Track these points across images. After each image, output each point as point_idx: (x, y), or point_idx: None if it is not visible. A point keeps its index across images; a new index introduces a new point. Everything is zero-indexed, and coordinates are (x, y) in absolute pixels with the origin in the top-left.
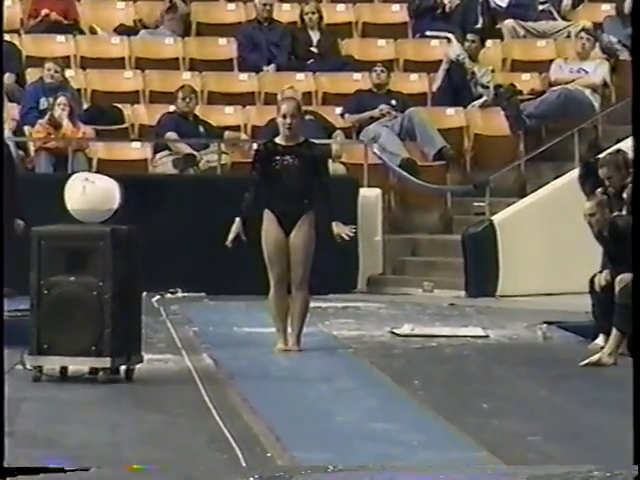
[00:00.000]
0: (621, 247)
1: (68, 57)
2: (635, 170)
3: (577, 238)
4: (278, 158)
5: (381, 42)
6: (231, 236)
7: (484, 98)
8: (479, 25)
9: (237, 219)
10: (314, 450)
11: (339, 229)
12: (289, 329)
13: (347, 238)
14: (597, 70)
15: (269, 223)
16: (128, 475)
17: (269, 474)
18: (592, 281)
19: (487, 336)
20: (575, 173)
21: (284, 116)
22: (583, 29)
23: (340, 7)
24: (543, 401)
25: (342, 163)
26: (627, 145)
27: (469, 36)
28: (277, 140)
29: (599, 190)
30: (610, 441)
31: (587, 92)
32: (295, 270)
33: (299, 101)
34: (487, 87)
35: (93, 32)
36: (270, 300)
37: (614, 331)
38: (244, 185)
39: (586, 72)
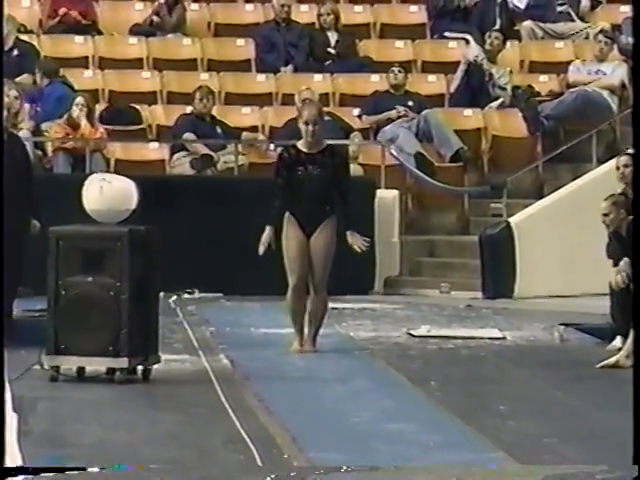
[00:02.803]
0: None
1: (87, 57)
2: (635, 170)
3: (595, 240)
4: (301, 167)
5: (399, 43)
6: (262, 247)
7: (502, 99)
8: (497, 26)
9: (267, 228)
10: (330, 451)
11: (353, 240)
12: (305, 330)
13: (359, 251)
14: (615, 72)
15: (290, 226)
16: (130, 475)
17: (285, 474)
18: (611, 282)
19: (504, 338)
20: (593, 174)
21: (306, 123)
22: (601, 31)
23: (358, 8)
24: (559, 403)
25: (359, 164)
26: None
27: (493, 34)
28: (300, 146)
29: (617, 190)
30: (627, 443)
31: (605, 94)
32: (315, 272)
33: (321, 106)
34: (505, 88)
35: (111, 33)
36: (288, 300)
37: (632, 332)
38: (261, 186)
39: (604, 74)
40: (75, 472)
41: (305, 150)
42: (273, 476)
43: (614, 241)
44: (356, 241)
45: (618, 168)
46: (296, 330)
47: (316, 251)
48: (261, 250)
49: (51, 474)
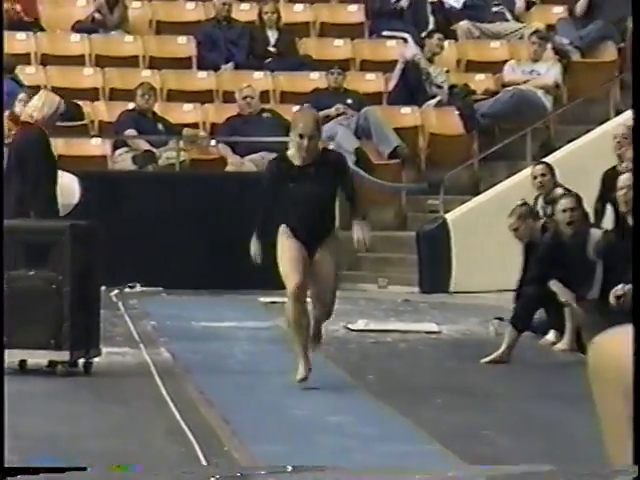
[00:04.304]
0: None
1: (29, 54)
2: (635, 171)
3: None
4: (293, 183)
5: (338, 42)
6: (259, 259)
7: (439, 98)
8: (432, 26)
9: (253, 241)
10: (270, 443)
11: (359, 232)
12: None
13: (358, 246)
14: (549, 71)
15: (287, 237)
16: (130, 475)
17: (229, 471)
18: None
19: (440, 331)
20: (527, 172)
21: (301, 136)
22: (536, 31)
23: (298, 7)
24: (495, 395)
25: None
26: (578, 145)
27: (434, 35)
28: (291, 158)
29: (517, 202)
30: (560, 434)
31: (539, 93)
32: (322, 298)
33: (318, 116)
34: (442, 87)
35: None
36: (288, 310)
37: (509, 328)
38: (202, 181)
39: (539, 73)
40: (75, 472)
41: (298, 163)
42: (218, 476)
43: (531, 254)
44: (361, 234)
45: (535, 177)
46: (300, 352)
47: (321, 274)
48: (259, 260)
49: (51, 474)
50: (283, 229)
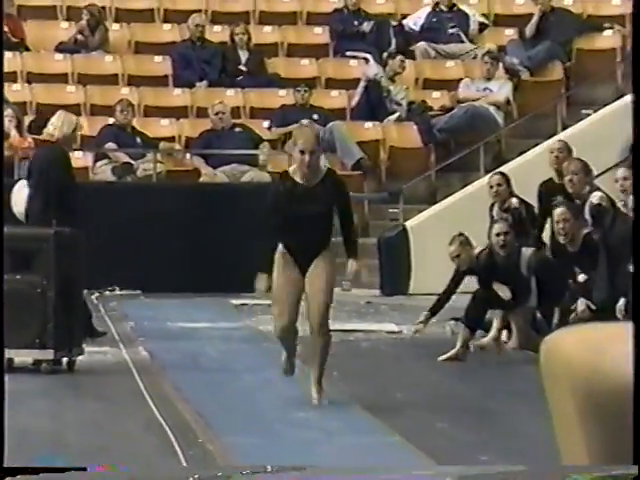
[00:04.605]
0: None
1: (15, 72)
2: (635, 171)
3: (481, 241)
4: (297, 204)
5: (304, 61)
6: (261, 295)
7: (398, 113)
8: (393, 47)
9: (260, 278)
10: (241, 435)
11: (351, 270)
12: (311, 377)
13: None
14: (501, 89)
15: (283, 263)
16: (131, 475)
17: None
18: None
19: (400, 331)
20: (481, 182)
21: (302, 152)
22: (488, 51)
23: (267, 29)
24: (451, 391)
25: (268, 172)
26: (528, 157)
27: (397, 56)
28: (294, 176)
29: (455, 233)
30: (512, 428)
31: (492, 109)
32: (312, 310)
33: (318, 132)
34: (401, 104)
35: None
36: (276, 335)
37: (462, 327)
38: (177, 192)
39: (491, 90)
40: (75, 472)
41: (301, 182)
42: (196, 476)
43: (466, 274)
44: (353, 270)
45: (491, 187)
46: (287, 352)
47: (313, 285)
48: (262, 295)
49: (51, 474)
50: (280, 251)
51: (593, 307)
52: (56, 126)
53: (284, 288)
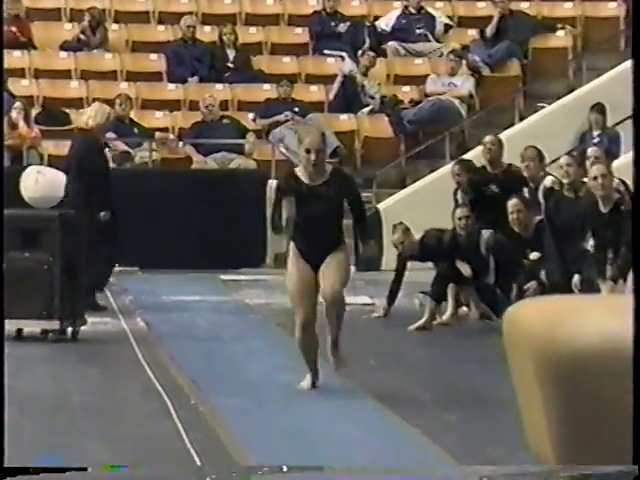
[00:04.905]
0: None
1: (23, 69)
2: (635, 170)
3: (446, 222)
4: (302, 204)
5: (286, 59)
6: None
7: (371, 106)
8: (367, 46)
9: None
10: (230, 398)
11: (370, 252)
12: (319, 365)
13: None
14: (464, 84)
15: (295, 259)
16: (131, 475)
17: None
18: None
19: (374, 304)
20: (446, 169)
21: (308, 151)
22: (452, 50)
23: (252, 29)
24: (420, 358)
25: (254, 159)
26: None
27: (367, 53)
28: (300, 175)
29: (396, 222)
30: (474, 389)
31: (456, 102)
32: (329, 306)
33: (323, 130)
34: (374, 97)
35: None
36: (297, 339)
37: (429, 299)
38: (170, 177)
39: (455, 85)
40: (76, 472)
41: (307, 182)
42: (214, 476)
43: (411, 259)
44: (369, 252)
45: (454, 175)
46: (308, 365)
47: (326, 274)
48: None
49: (51, 474)
50: (292, 250)
51: (544, 282)
52: (90, 116)
53: (298, 288)
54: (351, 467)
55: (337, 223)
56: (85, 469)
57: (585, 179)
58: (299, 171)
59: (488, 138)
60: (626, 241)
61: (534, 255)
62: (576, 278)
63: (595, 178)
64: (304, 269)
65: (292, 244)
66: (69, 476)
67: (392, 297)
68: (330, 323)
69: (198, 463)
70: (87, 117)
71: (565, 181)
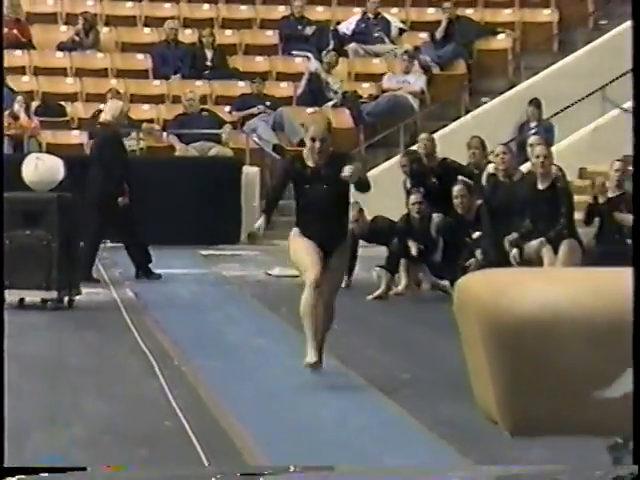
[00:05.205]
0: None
1: (24, 67)
2: (635, 168)
3: (399, 208)
4: (307, 185)
5: (259, 58)
6: (256, 226)
7: (334, 100)
8: (331, 47)
9: (262, 215)
10: (209, 359)
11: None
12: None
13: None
14: (417, 81)
15: (300, 237)
16: (132, 475)
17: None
18: None
19: None
20: (399, 157)
21: (313, 139)
22: (406, 51)
23: (228, 32)
24: (378, 323)
25: (230, 148)
26: (438, 136)
27: (330, 53)
28: (306, 159)
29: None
30: (427, 351)
31: (409, 97)
32: (325, 298)
33: (329, 120)
34: (337, 93)
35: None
36: (304, 303)
37: (384, 272)
38: (155, 163)
39: (408, 82)
40: (75, 472)
41: (312, 165)
42: (219, 476)
43: (363, 238)
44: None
45: (401, 166)
46: (310, 339)
47: (328, 277)
48: (256, 228)
49: (51, 474)
50: (296, 232)
51: (481, 257)
52: (107, 112)
53: (305, 247)
54: (362, 466)
55: (342, 206)
56: (85, 469)
57: (520, 167)
58: (305, 155)
59: (423, 135)
60: (560, 214)
61: (476, 234)
62: (514, 252)
63: (537, 157)
64: (309, 241)
65: (295, 229)
66: (69, 476)
67: (349, 271)
68: (319, 326)
69: (182, 418)
70: (105, 113)
71: (501, 167)
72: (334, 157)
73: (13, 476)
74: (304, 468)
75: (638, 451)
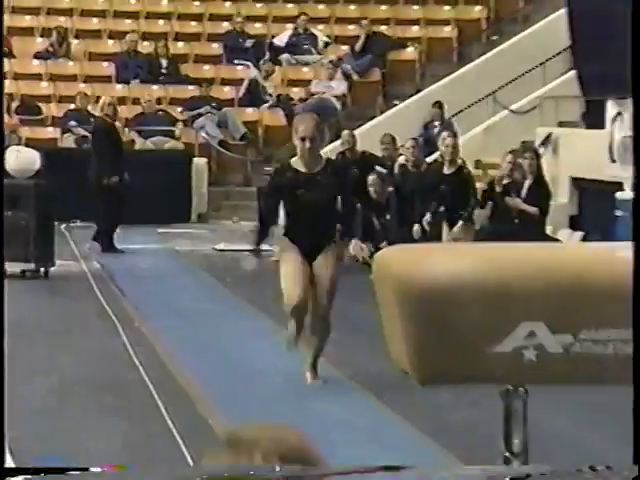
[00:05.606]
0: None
1: (6, 73)
2: (635, 170)
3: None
4: (300, 190)
5: (206, 66)
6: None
7: (270, 102)
8: (267, 57)
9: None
10: (164, 320)
11: (355, 250)
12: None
13: (360, 258)
14: (339, 86)
15: (289, 250)
16: (132, 475)
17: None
18: None
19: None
20: (324, 151)
21: (302, 139)
22: (330, 61)
23: (180, 44)
24: None
25: (182, 142)
26: (357, 133)
27: (266, 63)
28: (296, 165)
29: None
30: (349, 315)
31: (333, 100)
32: (320, 300)
33: (318, 120)
34: (272, 96)
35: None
36: (289, 328)
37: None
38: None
39: (332, 87)
40: (77, 472)
41: (304, 170)
42: (204, 477)
43: None
44: (357, 250)
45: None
46: (295, 329)
47: (321, 280)
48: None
49: (51, 474)
50: (285, 242)
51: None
52: (96, 107)
53: (291, 268)
54: (357, 463)
55: (333, 212)
56: (86, 469)
57: (427, 159)
58: (294, 162)
59: (345, 132)
60: (470, 194)
61: (387, 217)
62: (416, 227)
63: (447, 146)
64: (297, 257)
65: (284, 238)
66: (69, 476)
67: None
68: (315, 339)
69: (142, 371)
70: (98, 109)
71: (411, 159)
72: (331, 164)
73: (13, 476)
74: (290, 470)
75: (638, 451)
